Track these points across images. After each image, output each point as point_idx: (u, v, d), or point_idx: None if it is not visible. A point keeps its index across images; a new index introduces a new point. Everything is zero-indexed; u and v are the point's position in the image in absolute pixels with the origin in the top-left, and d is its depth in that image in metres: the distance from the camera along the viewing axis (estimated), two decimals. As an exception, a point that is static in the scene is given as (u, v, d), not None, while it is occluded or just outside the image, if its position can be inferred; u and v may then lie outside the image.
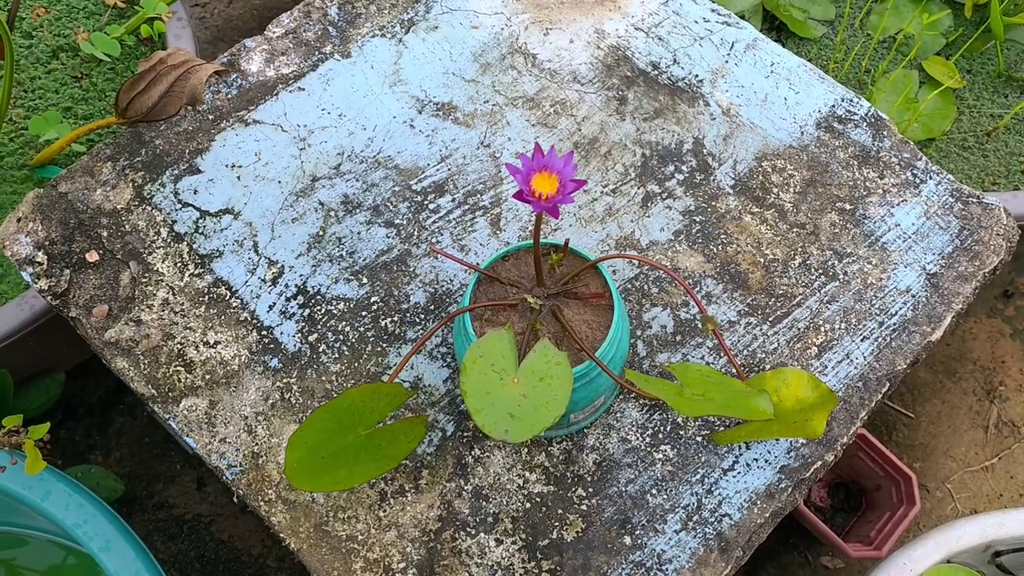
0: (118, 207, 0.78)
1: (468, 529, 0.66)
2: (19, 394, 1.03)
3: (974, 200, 0.78)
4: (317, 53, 0.85)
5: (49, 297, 0.74)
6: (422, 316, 0.73)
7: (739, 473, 0.67)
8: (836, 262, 0.75)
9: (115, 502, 1.10)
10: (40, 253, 0.76)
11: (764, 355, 0.71)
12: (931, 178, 0.79)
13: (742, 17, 1.11)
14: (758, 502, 0.66)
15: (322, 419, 0.58)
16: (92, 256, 0.75)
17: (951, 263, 0.75)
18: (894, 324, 0.73)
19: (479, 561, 0.65)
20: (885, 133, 0.81)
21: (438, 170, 0.79)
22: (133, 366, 0.71)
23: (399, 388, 0.60)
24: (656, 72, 0.85)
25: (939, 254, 0.76)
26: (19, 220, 0.77)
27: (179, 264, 0.75)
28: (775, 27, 1.13)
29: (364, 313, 0.73)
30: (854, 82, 1.09)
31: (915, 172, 0.80)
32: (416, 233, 0.76)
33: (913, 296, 0.74)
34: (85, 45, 0.97)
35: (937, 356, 1.21)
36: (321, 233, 0.76)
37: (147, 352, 0.72)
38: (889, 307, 0.73)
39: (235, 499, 0.69)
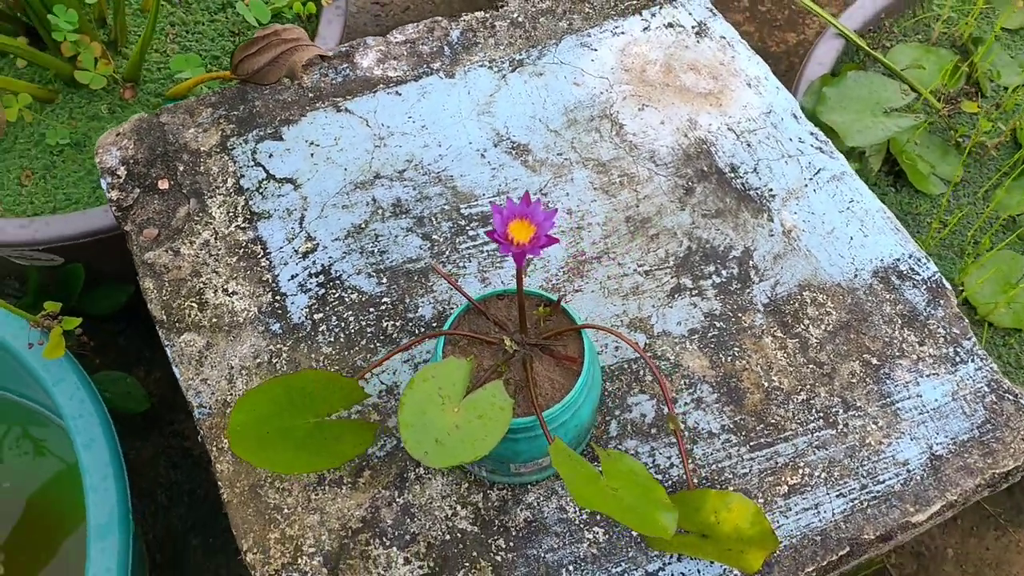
0: (201, 148, 0.84)
1: (384, 539, 0.67)
2: (88, 293, 1.11)
3: (1010, 398, 0.73)
4: (425, 66, 0.90)
5: (114, 208, 0.81)
6: (423, 329, 0.75)
7: (662, 581, 0.65)
8: (841, 411, 0.72)
9: (138, 415, 1.17)
10: (122, 168, 0.83)
11: (732, 476, 0.70)
12: (973, 361, 0.75)
13: (862, 154, 1.09)
14: (669, 616, 0.64)
15: (274, 391, 0.61)
16: (163, 184, 0.82)
17: (961, 452, 0.71)
18: (878, 492, 0.69)
19: (381, 573, 0.66)
20: (942, 302, 0.78)
21: (491, 203, 0.82)
22: (157, 289, 0.77)
23: (355, 386, 0.62)
24: (732, 175, 0.85)
25: (952, 439, 0.72)
26: (118, 134, 0.85)
27: (231, 214, 0.81)
28: (893, 171, 1.10)
29: (372, 309, 0.76)
30: (955, 248, 1.04)
31: (958, 350, 0.76)
32: (447, 252, 0.79)
33: (908, 471, 0.70)
34: (241, 7, 1.06)
35: (971, 557, 1.13)
36: (363, 226, 0.80)
37: (173, 281, 0.77)
38: (879, 473, 0.70)
39: (199, 438, 0.73)
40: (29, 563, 1.00)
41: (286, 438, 0.61)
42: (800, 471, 0.70)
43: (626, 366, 0.74)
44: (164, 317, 0.76)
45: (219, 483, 0.69)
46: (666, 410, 0.72)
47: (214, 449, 0.70)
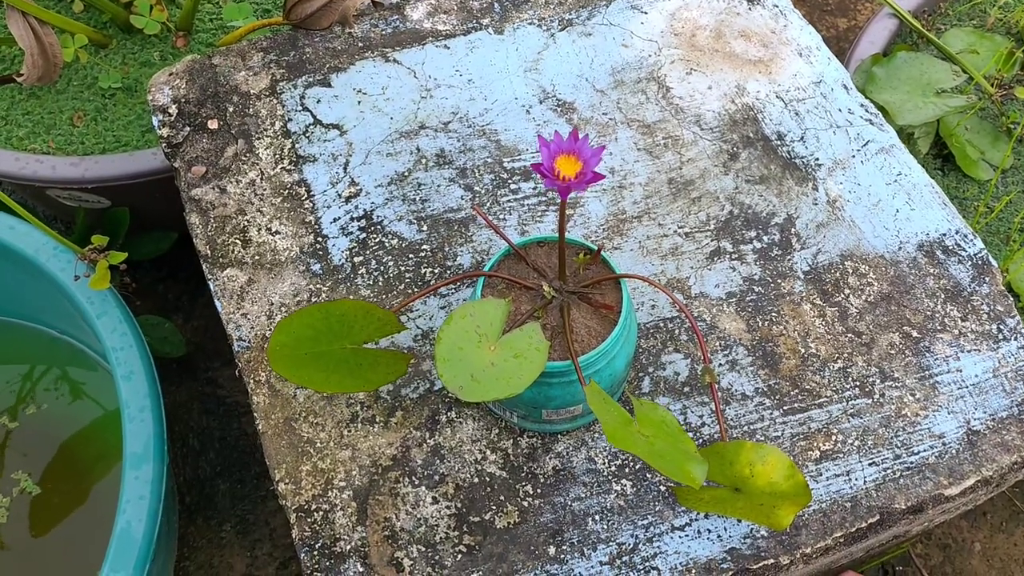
0: (251, 91, 0.85)
1: (413, 478, 0.67)
2: (132, 239, 1.13)
3: (1052, 376, 0.72)
4: (474, 21, 0.90)
5: (164, 145, 0.82)
6: (460, 278, 0.76)
7: (688, 536, 0.65)
8: (878, 381, 0.72)
9: (173, 361, 1.19)
10: (174, 106, 0.84)
11: (763, 439, 0.69)
12: (1016, 339, 0.74)
13: (911, 136, 1.08)
14: (693, 570, 0.64)
15: (314, 316, 0.62)
16: (213, 124, 0.83)
17: (999, 428, 0.70)
18: (911, 463, 0.69)
19: (410, 510, 0.66)
20: (987, 279, 0.77)
21: (534, 157, 0.82)
22: (202, 225, 0.78)
23: (392, 317, 0.63)
24: (779, 143, 0.84)
25: (990, 415, 0.71)
26: (170, 74, 0.86)
27: (277, 156, 0.81)
28: (941, 155, 1.08)
29: (411, 256, 0.77)
30: (1001, 234, 1.02)
31: (1001, 327, 0.75)
32: (488, 204, 0.79)
33: (944, 444, 0.69)
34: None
35: (999, 552, 1.12)
36: (406, 174, 0.81)
37: (219, 218, 0.78)
38: (913, 444, 0.69)
39: (236, 372, 0.74)
40: (61, 503, 1.03)
41: (322, 360, 0.62)
42: (833, 438, 0.69)
43: (661, 324, 0.74)
44: (209, 252, 0.77)
45: (255, 415, 0.70)
46: (699, 369, 0.72)
47: (251, 382, 0.71)
